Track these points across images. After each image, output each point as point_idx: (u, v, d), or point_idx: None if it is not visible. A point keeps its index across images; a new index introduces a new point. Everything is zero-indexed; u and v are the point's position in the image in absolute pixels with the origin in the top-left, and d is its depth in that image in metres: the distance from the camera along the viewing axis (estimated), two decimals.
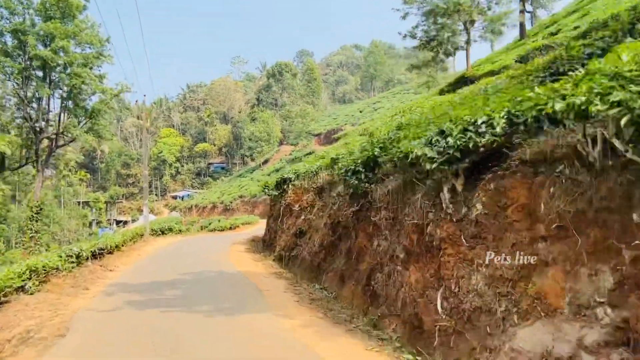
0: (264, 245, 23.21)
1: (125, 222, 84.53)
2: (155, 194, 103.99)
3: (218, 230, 34.52)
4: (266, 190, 22.76)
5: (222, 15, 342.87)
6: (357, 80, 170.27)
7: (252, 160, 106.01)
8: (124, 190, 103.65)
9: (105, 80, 42.75)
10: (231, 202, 76.95)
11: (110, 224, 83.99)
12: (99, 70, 42.41)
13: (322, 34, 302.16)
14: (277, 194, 21.41)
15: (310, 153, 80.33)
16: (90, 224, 79.40)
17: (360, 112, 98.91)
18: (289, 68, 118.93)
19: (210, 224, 64.46)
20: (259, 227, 42.38)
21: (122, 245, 21.19)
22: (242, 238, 28.82)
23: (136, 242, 25.55)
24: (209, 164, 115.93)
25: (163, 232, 31.10)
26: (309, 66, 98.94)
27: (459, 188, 6.66)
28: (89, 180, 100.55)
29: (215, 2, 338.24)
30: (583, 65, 7.73)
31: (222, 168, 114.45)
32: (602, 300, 4.38)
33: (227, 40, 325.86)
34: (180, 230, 31.93)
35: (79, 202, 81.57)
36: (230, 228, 36.11)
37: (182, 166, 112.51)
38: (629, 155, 4.27)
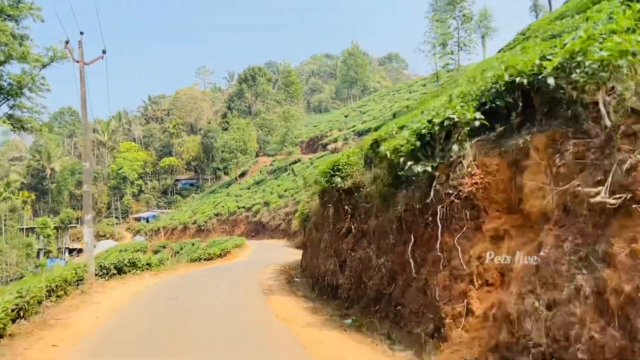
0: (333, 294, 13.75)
1: (80, 251, 73.72)
2: (116, 216, 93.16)
3: (204, 259, 25.33)
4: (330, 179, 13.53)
5: (182, 27, 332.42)
6: (332, 88, 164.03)
7: (226, 174, 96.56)
8: (79, 213, 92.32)
9: (29, 43, 30.36)
10: (206, 222, 67.60)
11: (62, 253, 73.07)
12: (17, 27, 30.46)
13: (291, 46, 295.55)
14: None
15: (296, 162, 71.75)
16: (38, 254, 68.44)
17: (346, 116, 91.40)
18: (263, 72, 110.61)
19: (194, 246, 55.39)
20: (254, 252, 33.51)
21: (21, 317, 10.33)
22: (261, 275, 20.04)
23: (62, 299, 13.40)
24: (177, 180, 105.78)
25: (120, 271, 19.00)
26: (286, 68, 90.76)
27: None
28: (37, 204, 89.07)
29: (175, 14, 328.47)
30: None
31: (192, 184, 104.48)
32: None
33: (189, 53, 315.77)
34: (148, 265, 21.03)
35: (22, 229, 70.49)
36: (221, 255, 27.00)
37: (146, 184, 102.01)
38: None
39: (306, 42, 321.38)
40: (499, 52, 36.54)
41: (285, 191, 59.86)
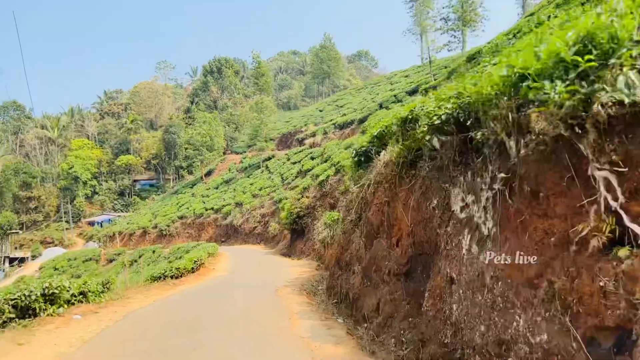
0: None
1: (23, 260, 65.41)
2: (66, 221, 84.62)
3: (171, 276, 18.48)
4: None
5: (139, 25, 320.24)
6: (301, 85, 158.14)
7: (190, 173, 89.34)
8: (25, 218, 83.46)
9: None
10: (168, 226, 60.66)
11: (1, 263, 64.50)
12: None
13: (256, 43, 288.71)
14: None
15: (269, 158, 65.55)
16: None
17: (320, 111, 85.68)
18: (230, 64, 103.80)
19: (154, 254, 48.38)
20: (233, 262, 27.26)
21: None
22: (294, 326, 10.73)
23: None
24: (135, 180, 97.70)
25: (26, 313, 11.14)
26: (255, 59, 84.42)
27: None
28: None
29: (130, 9, 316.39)
30: None
31: (152, 185, 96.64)
32: None
33: (147, 44, 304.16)
34: (82, 296, 12.70)
35: None
36: (193, 270, 20.21)
37: (101, 184, 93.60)
38: None
39: (272, 39, 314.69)
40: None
41: (259, 190, 53.62)
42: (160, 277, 18.14)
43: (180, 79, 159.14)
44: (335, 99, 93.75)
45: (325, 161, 45.64)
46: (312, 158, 52.46)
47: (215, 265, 24.14)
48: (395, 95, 54.03)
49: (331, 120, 67.09)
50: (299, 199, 28.93)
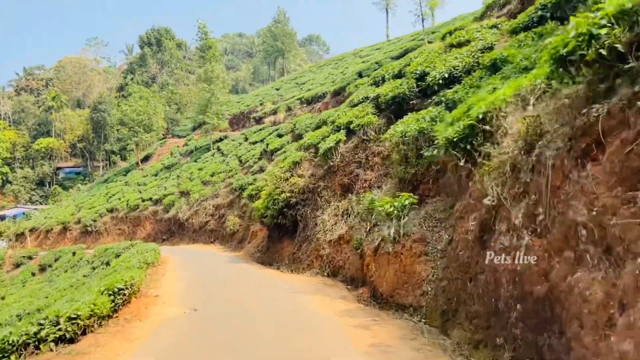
0: None
1: None
2: None
3: (56, 340, 8.32)
4: None
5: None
6: (250, 68, 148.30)
7: (124, 159, 77.42)
8: None
9: None
10: (95, 221, 49.75)
11: None
12: None
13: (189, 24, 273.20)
14: None
15: (221, 139, 55.59)
16: None
17: (277, 89, 76.01)
18: (171, 35, 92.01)
19: (75, 256, 37.62)
20: (190, 279, 17.11)
21: None
22: None
23: None
24: (58, 168, 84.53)
25: None
26: (202, 29, 73.47)
27: None
28: None
29: None
30: None
31: (78, 173, 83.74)
32: None
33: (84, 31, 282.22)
34: None
35: None
36: (115, 310, 10.17)
37: (14, 172, 79.72)
38: None
39: (214, 21, 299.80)
40: None
41: (211, 176, 43.73)
42: (21, 345, 7.89)
43: (113, 57, 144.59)
44: (294, 77, 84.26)
45: (298, 138, 36.56)
46: (280, 135, 43.11)
47: (160, 288, 14.42)
48: (377, 62, 45.34)
49: (293, 97, 57.71)
50: (286, 179, 19.61)
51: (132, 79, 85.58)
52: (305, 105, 51.05)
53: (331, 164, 17.80)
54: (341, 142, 17.78)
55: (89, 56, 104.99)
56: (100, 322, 9.08)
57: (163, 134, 75.96)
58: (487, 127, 7.84)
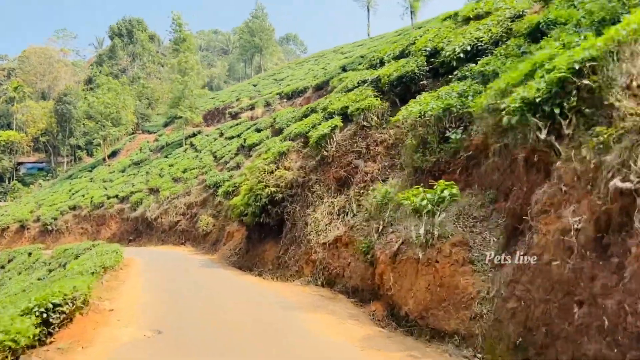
0: None
1: None
2: None
3: None
4: None
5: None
6: (225, 65, 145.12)
7: (90, 155, 73.46)
8: None
9: None
10: (55, 219, 46.13)
11: None
12: None
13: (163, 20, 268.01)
14: None
15: (195, 135, 52.74)
16: None
17: (255, 85, 73.20)
18: (143, 27, 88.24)
19: (31, 257, 34.37)
20: (153, 289, 14.44)
21: None
22: None
23: None
24: (19, 163, 79.81)
25: None
26: (176, 20, 70.24)
27: None
28: None
29: None
30: None
31: (41, 169, 79.15)
32: None
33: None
34: None
35: None
36: (47, 336, 7.59)
37: None
38: None
39: (190, 18, 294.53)
40: None
41: (183, 172, 40.80)
42: None
43: (83, 50, 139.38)
44: (272, 73, 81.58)
45: (278, 132, 34.01)
46: (258, 130, 40.44)
47: (117, 300, 11.66)
48: (362, 56, 43.06)
49: (272, 92, 55.01)
50: (271, 172, 17.06)
51: (100, 71, 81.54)
52: (285, 100, 48.49)
53: (325, 154, 15.33)
54: (337, 129, 15.31)
55: (55, 47, 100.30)
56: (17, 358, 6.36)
57: (132, 129, 72.37)
58: (587, 82, 5.50)
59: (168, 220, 36.31)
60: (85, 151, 74.31)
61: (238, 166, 35.94)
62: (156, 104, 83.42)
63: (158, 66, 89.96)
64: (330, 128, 15.14)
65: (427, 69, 14.31)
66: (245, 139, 39.28)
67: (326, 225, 14.22)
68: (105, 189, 48.50)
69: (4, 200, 68.42)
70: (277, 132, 35.72)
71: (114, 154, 64.51)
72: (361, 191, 13.74)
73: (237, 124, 47.95)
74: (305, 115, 22.59)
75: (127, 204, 42.12)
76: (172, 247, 33.70)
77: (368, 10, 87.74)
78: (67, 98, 69.95)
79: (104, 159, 62.81)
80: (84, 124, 65.97)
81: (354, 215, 13.59)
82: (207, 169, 38.35)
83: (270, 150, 19.52)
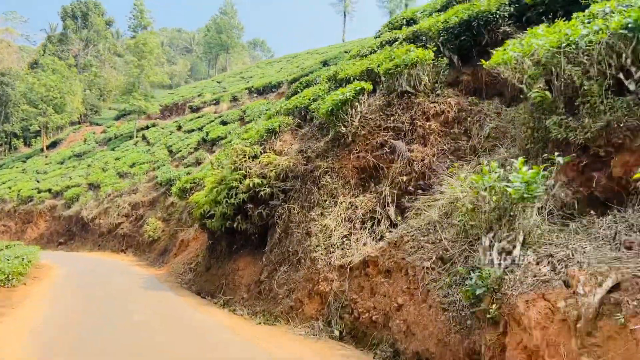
0: None
1: None
2: None
3: None
4: None
5: None
6: (187, 64, 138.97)
7: (28, 145, 65.73)
8: None
9: None
10: None
11: None
12: None
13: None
14: None
15: (148, 127, 46.83)
16: None
17: (219, 82, 67.57)
18: (100, 10, 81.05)
19: None
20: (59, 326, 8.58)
21: None
22: None
23: None
24: None
25: None
26: (138, 6, 64.18)
27: None
28: None
29: None
30: None
31: None
32: None
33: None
34: None
35: None
36: None
37: None
38: None
39: (153, 14, 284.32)
40: None
41: (131, 167, 34.90)
42: None
43: (33, 36, 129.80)
44: (239, 71, 76.22)
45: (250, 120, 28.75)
46: (224, 123, 35.01)
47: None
48: (346, 51, 38.38)
49: (238, 88, 49.60)
50: (254, 157, 11.85)
51: (45, 51, 73.95)
52: (255, 95, 43.19)
53: (342, 131, 10.23)
54: (364, 95, 10.25)
55: (5, 35, 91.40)
56: None
57: (79, 120, 65.30)
58: None
59: (108, 222, 30.28)
60: (22, 140, 66.48)
61: (198, 162, 30.46)
62: (109, 96, 76.42)
63: (114, 56, 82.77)
64: (353, 92, 10.07)
65: (512, 10, 9.55)
66: (207, 132, 33.77)
67: (343, 237, 9.14)
68: (38, 181, 41.73)
69: None
70: (248, 120, 30.55)
71: (54, 145, 57.28)
72: (404, 186, 8.79)
73: (198, 117, 42.27)
74: (295, 92, 17.38)
75: (61, 200, 35.72)
76: (110, 255, 27.77)
77: (344, 16, 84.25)
78: (4, 79, 62.19)
79: (42, 150, 55.59)
80: (22, 110, 58.52)
81: (391, 224, 8.61)
82: (159, 164, 32.61)
83: (252, 129, 14.27)
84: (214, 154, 31.41)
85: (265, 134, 12.26)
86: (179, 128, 41.61)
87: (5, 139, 67.93)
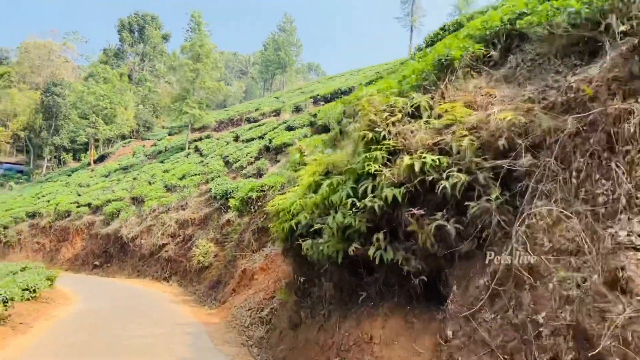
0: None
1: None
2: None
3: None
4: None
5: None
6: (242, 86, 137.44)
7: (77, 159, 62.55)
8: None
9: None
10: (6, 228, 34.98)
11: None
12: None
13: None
14: None
15: (201, 139, 42.10)
16: None
17: (277, 98, 63.02)
18: (157, 24, 78.63)
19: None
20: None
21: None
22: None
23: None
24: None
25: None
26: (197, 19, 60.71)
27: None
28: None
29: None
30: None
31: (21, 172, 68.24)
32: None
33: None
34: None
35: None
36: None
37: None
38: None
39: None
40: None
41: (181, 179, 29.88)
42: None
43: (93, 56, 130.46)
44: (297, 87, 71.71)
45: (322, 131, 23.18)
46: (291, 128, 29.64)
47: None
48: (401, 63, 32.78)
49: (301, 99, 44.48)
50: (412, 115, 5.98)
51: (99, 60, 71.77)
52: (322, 103, 37.83)
53: None
54: None
55: (57, 41, 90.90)
56: None
57: (130, 135, 61.80)
58: None
59: (150, 243, 25.05)
60: (71, 154, 63.44)
61: (259, 173, 25.04)
62: (162, 112, 73.22)
63: (170, 71, 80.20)
64: None
65: None
66: (270, 139, 28.45)
67: None
68: (79, 195, 37.40)
69: None
70: (323, 130, 24.93)
71: (102, 159, 53.59)
72: None
73: (258, 126, 37.17)
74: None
75: (100, 216, 30.99)
76: (150, 283, 22.49)
77: (411, 31, 78.51)
78: (56, 89, 59.55)
79: (88, 163, 51.92)
80: (71, 121, 55.43)
81: None
82: (214, 175, 27.37)
83: (400, 71, 8.41)
84: (279, 163, 26.01)
85: (432, 71, 6.40)
86: (236, 138, 36.52)
87: (55, 153, 65.25)
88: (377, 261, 5.77)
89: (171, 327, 10.86)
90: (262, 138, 31.33)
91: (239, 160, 28.38)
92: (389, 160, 5.88)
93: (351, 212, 6.02)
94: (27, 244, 34.52)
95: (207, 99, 44.41)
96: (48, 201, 37.56)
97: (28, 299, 12.45)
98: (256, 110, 51.49)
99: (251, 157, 27.85)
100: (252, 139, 32.94)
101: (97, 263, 28.95)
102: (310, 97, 41.60)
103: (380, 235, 5.70)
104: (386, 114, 6.04)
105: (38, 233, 34.38)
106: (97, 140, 54.51)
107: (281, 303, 9.87)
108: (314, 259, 7.09)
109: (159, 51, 79.06)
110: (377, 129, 6.02)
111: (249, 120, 45.29)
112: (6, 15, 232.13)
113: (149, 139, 60.70)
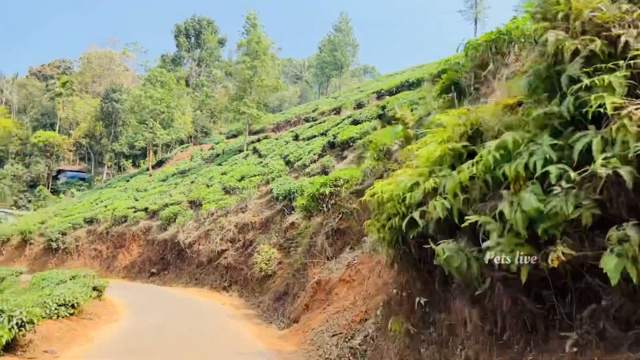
0: None
1: None
2: None
3: None
4: None
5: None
6: (297, 91, 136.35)
7: (137, 166, 62.30)
8: None
9: None
10: (64, 235, 34.09)
11: None
12: None
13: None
14: None
15: (260, 140, 40.13)
16: None
17: (335, 98, 60.67)
18: (213, 28, 78.01)
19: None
20: None
21: None
22: None
23: None
24: (60, 171, 70.24)
25: None
26: (252, 21, 59.12)
27: None
28: None
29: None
30: None
31: (83, 179, 68.90)
32: None
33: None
34: None
35: None
36: None
37: (1, 167, 65.40)
38: None
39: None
40: None
41: (240, 180, 27.85)
42: None
43: (151, 64, 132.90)
44: (356, 87, 69.24)
45: (391, 122, 20.53)
46: (356, 122, 27.10)
47: None
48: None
49: (356, 99, 41.74)
50: None
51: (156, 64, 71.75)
52: (387, 96, 35.03)
53: None
54: None
55: (117, 50, 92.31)
56: None
57: (188, 140, 61.00)
58: None
59: (208, 249, 23.10)
60: (130, 160, 63.30)
61: (324, 171, 22.59)
62: (219, 117, 72.34)
63: (228, 76, 79.57)
64: None
65: None
66: (335, 135, 26.00)
67: None
68: (136, 199, 36.22)
69: (28, 209, 57.84)
70: (390, 121, 22.23)
71: (160, 164, 52.82)
72: None
73: (320, 122, 34.87)
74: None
75: (157, 221, 29.44)
76: (209, 293, 20.47)
77: (476, 23, 74.52)
78: (114, 95, 59.49)
79: (147, 169, 51.19)
80: (130, 126, 55.07)
81: None
82: (274, 175, 25.17)
83: None
84: (345, 160, 23.46)
85: None
86: (296, 137, 34.30)
87: (115, 160, 65.40)
88: (615, 280, 3.06)
89: (242, 354, 8.45)
90: (325, 135, 28.94)
91: (301, 158, 26.07)
92: (635, 88, 3.19)
93: (557, 189, 3.34)
94: (84, 250, 33.53)
95: (264, 98, 42.42)
96: (105, 206, 36.58)
97: (65, 317, 10.43)
98: (314, 110, 49.25)
99: (314, 155, 25.47)
100: (314, 137, 30.61)
101: (153, 270, 27.32)
102: (373, 93, 38.92)
103: (630, 231, 2.99)
104: (625, 4, 3.36)
105: (95, 239, 33.31)
106: (155, 146, 53.89)
107: (379, 328, 7.26)
108: (457, 272, 4.43)
109: (216, 57, 78.45)
110: (605, 34, 3.32)
111: (307, 120, 43.07)
112: (69, 29, 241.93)
113: (206, 144, 59.67)
